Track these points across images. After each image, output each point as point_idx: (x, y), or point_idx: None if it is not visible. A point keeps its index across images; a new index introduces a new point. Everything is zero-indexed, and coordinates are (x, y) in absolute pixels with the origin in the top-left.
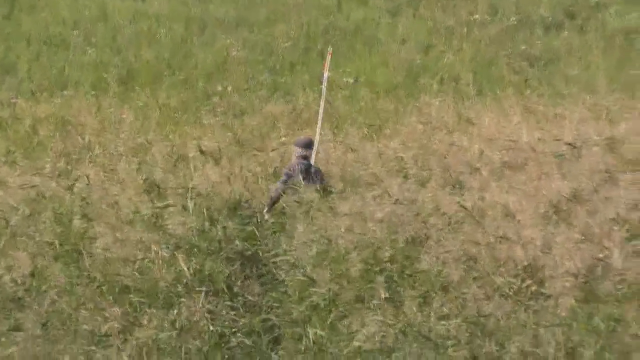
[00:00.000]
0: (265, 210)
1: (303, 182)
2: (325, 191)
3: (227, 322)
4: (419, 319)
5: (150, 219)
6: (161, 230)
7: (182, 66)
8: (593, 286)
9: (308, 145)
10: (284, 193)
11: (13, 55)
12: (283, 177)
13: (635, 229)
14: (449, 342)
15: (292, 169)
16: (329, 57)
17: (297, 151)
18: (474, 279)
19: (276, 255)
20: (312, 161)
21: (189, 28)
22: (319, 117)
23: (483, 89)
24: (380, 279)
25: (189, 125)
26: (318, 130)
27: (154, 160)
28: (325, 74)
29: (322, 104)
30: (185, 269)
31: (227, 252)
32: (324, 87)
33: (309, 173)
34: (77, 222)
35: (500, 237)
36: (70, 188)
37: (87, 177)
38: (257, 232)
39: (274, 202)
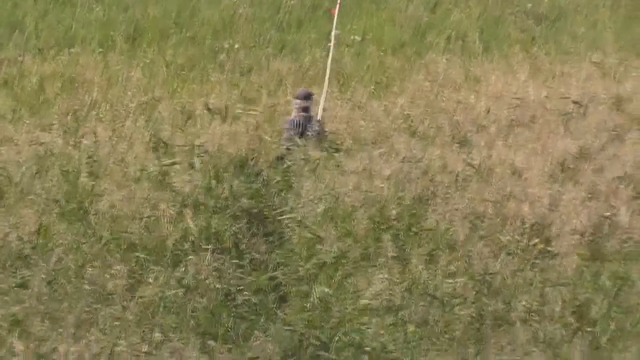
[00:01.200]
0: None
1: (299, 136)
2: (323, 138)
3: (233, 280)
4: (425, 277)
5: (157, 176)
6: (168, 188)
7: (189, 23)
8: (599, 244)
9: (307, 97)
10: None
11: (20, 12)
12: (284, 134)
13: None
14: (455, 300)
15: (289, 123)
16: (337, 9)
17: (297, 103)
18: (481, 237)
19: (283, 213)
20: (319, 116)
21: None
22: (327, 73)
23: (490, 46)
24: (387, 236)
25: (195, 82)
26: (325, 85)
27: (161, 118)
28: (334, 30)
29: (329, 59)
30: (193, 226)
31: (233, 210)
32: (332, 42)
33: (307, 126)
34: (83, 179)
35: (507, 195)
36: (77, 145)
37: (94, 134)
38: (263, 190)
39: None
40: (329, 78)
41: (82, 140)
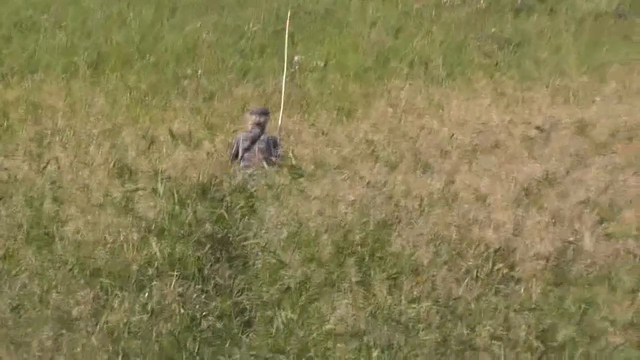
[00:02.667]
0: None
1: (248, 151)
2: (276, 162)
3: (198, 306)
4: (390, 302)
5: (120, 202)
6: (132, 214)
7: (152, 50)
8: (564, 269)
9: (261, 112)
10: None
11: None
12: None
13: (605, 212)
14: (420, 325)
15: (236, 138)
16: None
17: (250, 119)
18: (445, 262)
19: (246, 238)
20: (279, 134)
21: (159, 11)
22: (282, 89)
23: (453, 72)
24: (351, 261)
25: (159, 108)
26: (282, 103)
27: (125, 144)
28: (286, 31)
29: (283, 76)
30: (157, 251)
31: (197, 236)
32: (285, 58)
33: (255, 141)
34: (48, 205)
35: (471, 220)
36: (40, 171)
37: (57, 160)
38: (227, 215)
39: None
40: (286, 99)
41: (46, 166)
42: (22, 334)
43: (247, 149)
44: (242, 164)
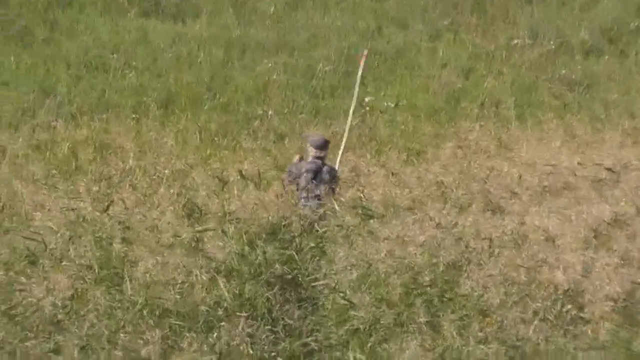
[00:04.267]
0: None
1: (311, 182)
2: (333, 193)
3: (266, 346)
4: (458, 343)
5: (190, 242)
6: (201, 254)
7: (222, 90)
8: (633, 310)
9: (322, 145)
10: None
11: (53, 78)
12: (285, 174)
13: None
14: None
15: (293, 169)
16: (363, 59)
17: (312, 151)
18: (514, 302)
19: (316, 279)
20: (337, 165)
21: (230, 52)
22: (348, 119)
23: (524, 113)
24: (420, 302)
25: (229, 149)
26: (345, 134)
27: (195, 185)
28: (360, 72)
29: (353, 104)
30: (226, 292)
31: (267, 277)
32: (356, 86)
33: (319, 173)
34: (117, 245)
35: (541, 261)
36: (107, 211)
37: (124, 201)
38: (296, 256)
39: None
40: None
41: (109, 205)
42: None
43: (309, 180)
44: (303, 194)
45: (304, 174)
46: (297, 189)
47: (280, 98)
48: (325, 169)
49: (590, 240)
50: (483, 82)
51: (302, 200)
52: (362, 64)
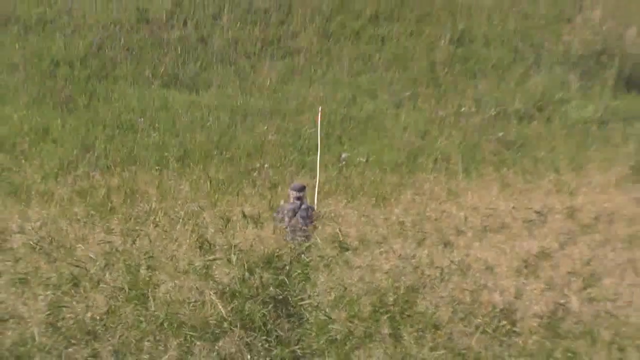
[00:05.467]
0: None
1: (292, 218)
2: (310, 227)
3: (262, 353)
4: (415, 350)
5: (201, 269)
6: (210, 279)
7: (228, 147)
8: (555, 326)
9: (300, 189)
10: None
11: (92, 136)
12: (275, 214)
13: (588, 279)
14: None
15: (280, 210)
16: (319, 114)
17: (292, 194)
18: (460, 319)
19: (302, 299)
20: (315, 206)
21: (233, 116)
22: (317, 160)
23: (469, 167)
24: (385, 318)
25: (233, 194)
26: (316, 183)
27: (205, 223)
28: (318, 124)
29: (318, 148)
30: (223, 311)
31: (262, 297)
32: (318, 134)
33: (298, 210)
34: (143, 271)
35: (482, 285)
36: (136, 244)
37: (148, 236)
38: (287, 281)
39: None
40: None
41: (135, 239)
42: None
43: (291, 217)
44: (288, 228)
45: (286, 213)
46: (285, 226)
47: (274, 154)
48: (303, 206)
49: (521, 269)
50: (436, 142)
51: (290, 233)
52: (318, 118)
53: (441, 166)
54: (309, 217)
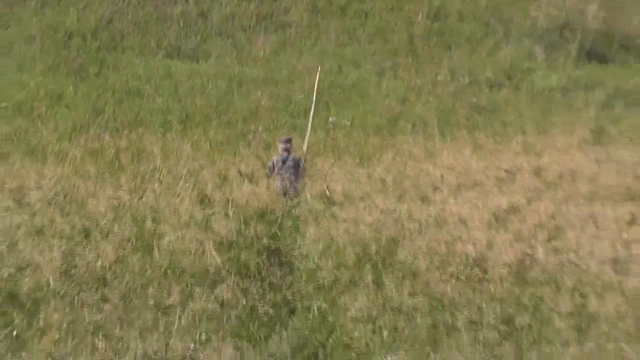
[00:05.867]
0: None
1: (281, 168)
2: (300, 179)
3: (256, 297)
4: (395, 296)
5: (201, 222)
6: (210, 231)
7: (226, 112)
8: (523, 274)
9: (286, 141)
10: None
11: (102, 102)
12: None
13: (553, 232)
14: (417, 313)
15: (271, 162)
16: (317, 74)
17: (280, 146)
18: (437, 267)
19: (293, 249)
20: (304, 150)
21: (231, 84)
22: (310, 115)
23: (444, 131)
24: (368, 267)
25: (230, 155)
26: (309, 126)
27: (205, 180)
28: (315, 84)
29: (312, 107)
30: (219, 260)
31: (257, 247)
32: (314, 95)
33: (286, 160)
34: (148, 224)
35: (456, 237)
36: (143, 199)
37: (154, 192)
38: (279, 233)
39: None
40: (312, 120)
41: (142, 195)
42: (129, 317)
43: (280, 167)
44: (277, 177)
45: (276, 163)
46: (276, 173)
47: (267, 118)
48: (290, 157)
49: (492, 222)
50: (415, 107)
51: (278, 182)
52: (316, 78)
53: (419, 129)
54: (298, 168)
